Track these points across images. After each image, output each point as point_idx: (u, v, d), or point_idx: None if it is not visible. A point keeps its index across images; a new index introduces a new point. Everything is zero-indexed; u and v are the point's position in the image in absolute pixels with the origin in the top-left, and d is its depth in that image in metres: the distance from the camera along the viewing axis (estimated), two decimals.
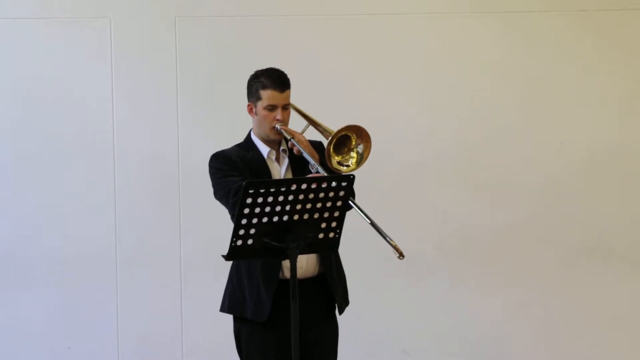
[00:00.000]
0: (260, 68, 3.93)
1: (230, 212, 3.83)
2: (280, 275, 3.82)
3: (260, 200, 3.38)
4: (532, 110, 5.65)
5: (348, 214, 3.63)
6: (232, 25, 5.54)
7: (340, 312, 3.99)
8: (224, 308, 3.95)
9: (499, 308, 5.65)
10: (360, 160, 3.80)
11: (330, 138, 3.75)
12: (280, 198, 3.41)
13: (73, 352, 5.52)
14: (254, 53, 5.41)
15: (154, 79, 5.52)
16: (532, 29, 5.65)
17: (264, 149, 3.92)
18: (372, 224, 3.70)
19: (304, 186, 3.43)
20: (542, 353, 5.66)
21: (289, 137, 3.84)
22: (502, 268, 5.65)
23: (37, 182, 5.48)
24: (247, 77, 3.94)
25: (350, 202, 3.66)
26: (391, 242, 3.68)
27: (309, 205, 3.47)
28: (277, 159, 3.94)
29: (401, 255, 3.67)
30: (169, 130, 5.51)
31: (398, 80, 5.60)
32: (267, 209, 3.41)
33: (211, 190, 3.91)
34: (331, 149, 3.76)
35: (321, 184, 3.46)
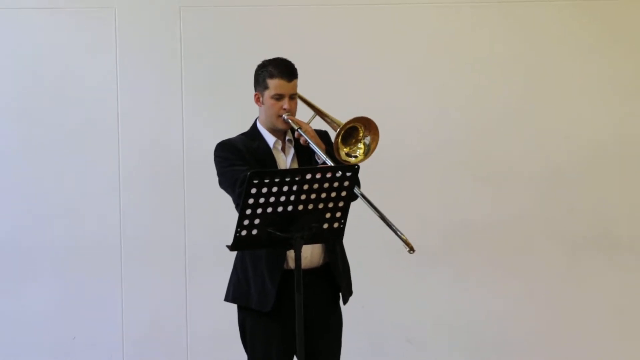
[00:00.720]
0: (265, 58, 3.92)
1: (235, 201, 3.83)
2: (285, 265, 3.82)
3: (264, 190, 3.38)
4: (536, 100, 5.64)
5: (353, 204, 3.62)
6: (236, 15, 5.53)
7: (345, 302, 3.99)
8: (229, 298, 3.95)
9: (503, 299, 5.64)
10: (368, 152, 3.79)
11: (338, 130, 3.74)
12: (285, 188, 3.40)
13: (78, 343, 5.52)
14: (258, 43, 5.39)
15: (158, 70, 5.51)
16: (536, 19, 5.63)
17: (270, 139, 3.91)
18: (383, 218, 3.70)
19: (308, 176, 3.42)
20: (547, 344, 5.65)
21: (295, 127, 3.83)
22: (506, 259, 5.65)
23: (41, 173, 5.48)
24: (252, 67, 3.93)
25: (361, 196, 3.68)
26: (402, 236, 3.68)
27: (313, 196, 3.46)
28: (283, 149, 3.93)
29: (412, 249, 3.67)
30: (173, 120, 5.51)
31: (401, 71, 5.59)
32: (272, 199, 3.41)
33: (216, 180, 3.91)
34: (339, 141, 3.75)
35: (326, 174, 3.45)
